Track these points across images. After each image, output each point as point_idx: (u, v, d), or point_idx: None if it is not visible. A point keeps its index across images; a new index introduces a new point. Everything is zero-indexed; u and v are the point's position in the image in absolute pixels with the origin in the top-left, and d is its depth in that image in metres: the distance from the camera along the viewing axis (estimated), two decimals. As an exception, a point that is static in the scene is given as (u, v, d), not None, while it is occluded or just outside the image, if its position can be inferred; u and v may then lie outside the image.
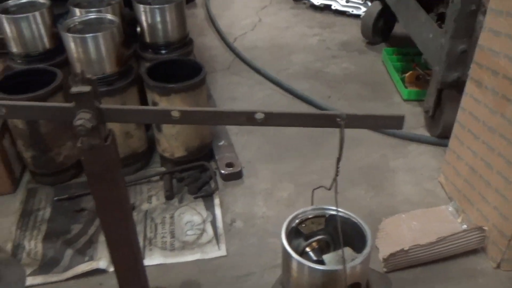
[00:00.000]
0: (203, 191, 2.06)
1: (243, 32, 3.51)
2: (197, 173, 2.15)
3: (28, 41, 2.01)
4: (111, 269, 1.73)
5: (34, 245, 1.83)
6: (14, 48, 2.04)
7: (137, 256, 1.22)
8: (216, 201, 2.02)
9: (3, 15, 1.96)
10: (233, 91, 2.82)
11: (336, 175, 1.08)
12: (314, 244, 1.29)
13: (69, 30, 1.87)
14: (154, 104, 1.97)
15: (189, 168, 2.15)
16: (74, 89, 0.89)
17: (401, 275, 1.70)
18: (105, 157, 0.98)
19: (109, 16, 1.94)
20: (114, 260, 1.19)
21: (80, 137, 0.93)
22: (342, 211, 1.29)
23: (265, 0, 4.03)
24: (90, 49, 1.83)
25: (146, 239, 1.85)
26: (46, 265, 1.74)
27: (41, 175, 2.10)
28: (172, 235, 1.87)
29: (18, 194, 2.08)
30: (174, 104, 1.94)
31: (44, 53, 2.06)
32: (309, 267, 1.14)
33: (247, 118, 0.96)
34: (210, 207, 2.00)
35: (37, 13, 1.98)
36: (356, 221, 1.24)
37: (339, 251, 1.20)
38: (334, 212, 1.30)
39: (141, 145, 2.16)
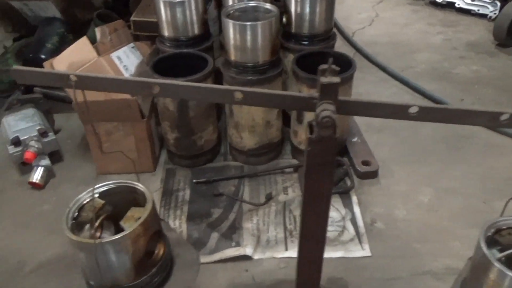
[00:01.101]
0: (340, 187, 2.03)
1: (361, 26, 3.42)
2: (332, 169, 2.11)
3: (180, 26, 2.06)
4: (256, 256, 1.75)
5: (179, 224, 1.88)
6: (166, 32, 2.09)
7: (322, 250, 1.20)
8: (354, 198, 1.98)
9: (161, -1, 2.02)
10: (357, 87, 2.70)
11: None
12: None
13: (228, 17, 1.89)
14: (301, 95, 1.95)
15: (323, 163, 2.12)
16: (324, 80, 0.87)
17: None
18: (331, 149, 0.96)
19: (267, 5, 1.94)
20: (302, 249, 1.19)
21: (319, 128, 0.91)
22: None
23: (380, -6, 3.92)
24: (248, 37, 1.84)
25: (287, 231, 1.85)
26: (193, 246, 1.78)
27: (180, 157, 2.16)
28: (312, 229, 1.85)
29: (157, 173, 2.16)
30: (322, 97, 1.91)
31: (193, 38, 2.10)
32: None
33: (490, 119, 0.90)
34: (348, 205, 1.96)
35: (192, 0, 2.02)
36: None
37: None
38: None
39: (277, 135, 2.16)
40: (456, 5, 3.52)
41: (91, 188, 1.31)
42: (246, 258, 1.74)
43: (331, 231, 1.85)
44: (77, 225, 1.26)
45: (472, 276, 1.21)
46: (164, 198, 2.02)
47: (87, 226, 1.29)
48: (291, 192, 2.03)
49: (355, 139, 2.24)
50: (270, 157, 2.20)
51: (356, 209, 1.93)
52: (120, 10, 2.86)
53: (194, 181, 2.09)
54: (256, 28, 1.82)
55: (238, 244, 1.78)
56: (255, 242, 1.79)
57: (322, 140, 0.94)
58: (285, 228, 1.86)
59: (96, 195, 1.31)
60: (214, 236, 1.82)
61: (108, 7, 3.03)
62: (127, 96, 1.89)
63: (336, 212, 1.93)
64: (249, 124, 2.03)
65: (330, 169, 1.01)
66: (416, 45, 3.15)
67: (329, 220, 1.89)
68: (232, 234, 1.82)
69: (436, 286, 1.63)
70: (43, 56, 2.59)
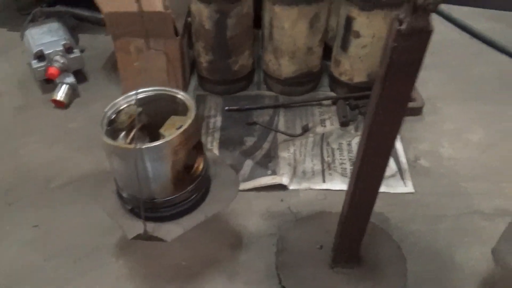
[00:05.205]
0: (381, 123, 1.90)
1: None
2: (373, 103, 1.98)
3: None
4: (292, 187, 1.66)
5: (210, 151, 1.78)
6: None
7: (383, 170, 1.08)
8: (396, 134, 1.86)
9: None
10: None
11: None
12: None
13: None
14: (350, 19, 1.79)
15: (365, 96, 1.99)
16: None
17: None
18: (424, 45, 0.82)
19: None
20: (361, 174, 1.07)
21: (415, 17, 0.77)
22: None
23: None
24: None
25: (324, 163, 1.75)
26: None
27: (213, 82, 2.03)
28: (352, 163, 1.75)
29: (187, 98, 2.04)
30: (373, 22, 1.75)
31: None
32: None
33: None
34: (390, 140, 1.83)
35: None
36: None
37: None
38: None
39: (317, 64, 2.01)
40: None
41: (128, 94, 1.19)
42: (281, 187, 1.65)
43: (372, 165, 1.74)
44: (112, 132, 1.15)
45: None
46: (194, 123, 1.91)
47: (122, 134, 1.19)
48: (329, 124, 1.91)
49: (399, 74, 2.08)
50: (307, 88, 2.06)
51: (398, 145, 1.81)
52: None
53: (226, 108, 1.97)
54: None
55: (274, 173, 1.68)
56: (292, 172, 1.69)
57: (414, 32, 0.80)
58: (322, 160, 1.75)
59: (132, 102, 1.20)
60: (248, 163, 1.72)
61: None
62: (161, 9, 1.75)
63: (377, 147, 1.81)
64: (290, 49, 1.88)
65: (416, 71, 0.87)
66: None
67: (370, 155, 1.78)
68: (268, 162, 1.73)
69: (484, 226, 1.53)
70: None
